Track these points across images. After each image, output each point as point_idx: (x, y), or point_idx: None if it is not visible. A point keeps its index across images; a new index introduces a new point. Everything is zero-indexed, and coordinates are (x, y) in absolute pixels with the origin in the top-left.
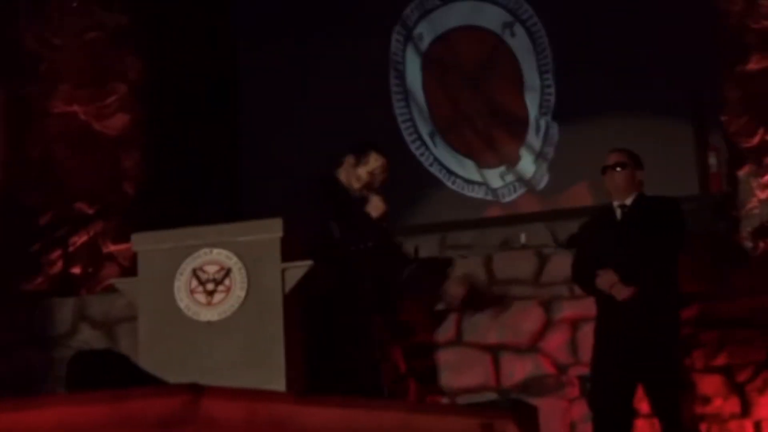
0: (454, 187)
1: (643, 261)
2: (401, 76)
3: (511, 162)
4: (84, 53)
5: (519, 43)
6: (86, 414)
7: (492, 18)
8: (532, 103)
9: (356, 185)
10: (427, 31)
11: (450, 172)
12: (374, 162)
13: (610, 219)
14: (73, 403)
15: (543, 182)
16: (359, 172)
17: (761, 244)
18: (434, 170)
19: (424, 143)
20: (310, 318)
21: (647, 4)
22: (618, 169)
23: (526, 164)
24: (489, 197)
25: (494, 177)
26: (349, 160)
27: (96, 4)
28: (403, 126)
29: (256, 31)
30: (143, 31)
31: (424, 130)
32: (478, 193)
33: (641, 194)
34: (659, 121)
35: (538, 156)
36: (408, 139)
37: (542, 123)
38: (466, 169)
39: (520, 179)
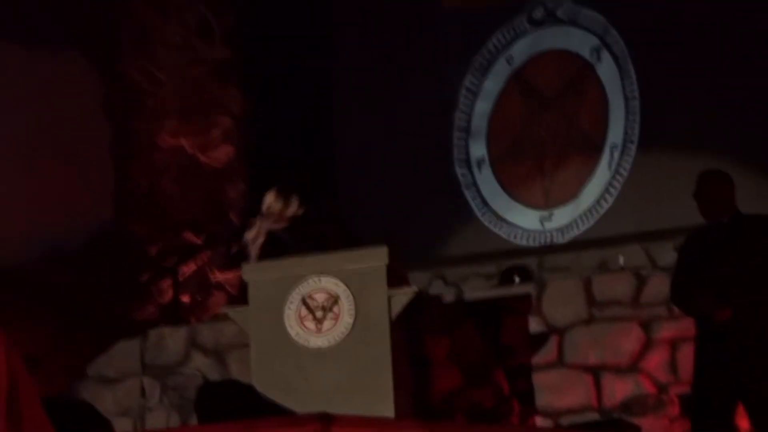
0: (482, 219)
1: (742, 281)
2: (473, 98)
3: (571, 196)
4: (188, 87)
5: (606, 68)
6: None
7: (580, 43)
8: (615, 127)
9: None
10: (516, 54)
11: (484, 203)
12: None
13: (708, 238)
14: None
15: (597, 213)
16: None
17: None
18: (468, 195)
19: (469, 167)
20: None
21: (736, 33)
22: (712, 187)
23: (590, 193)
24: (511, 238)
25: (532, 219)
26: None
27: (198, 40)
28: (456, 145)
29: (350, 60)
30: (244, 65)
31: (475, 154)
32: (501, 231)
33: (738, 213)
34: (743, 149)
35: (604, 188)
36: (457, 158)
37: (615, 154)
38: (500, 204)
39: (566, 224)
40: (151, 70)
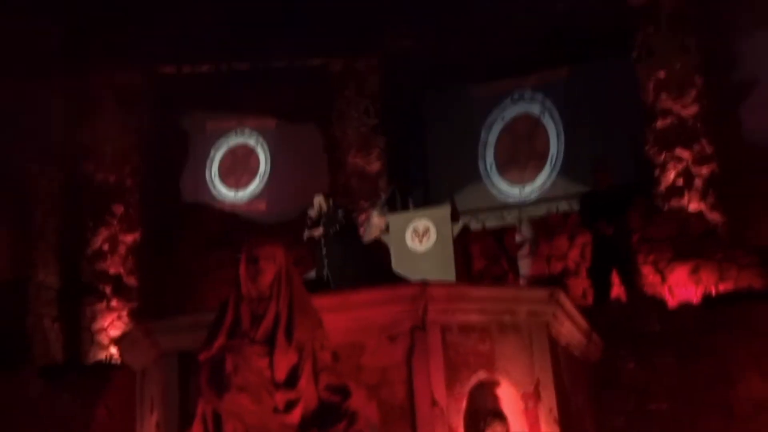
0: (492, 192)
1: (610, 213)
2: (486, 140)
3: (530, 180)
4: (360, 137)
5: (548, 120)
6: (376, 294)
7: (534, 109)
8: (553, 148)
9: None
10: (506, 115)
11: (492, 185)
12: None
13: (596, 196)
14: (370, 291)
15: (548, 189)
16: None
17: (667, 205)
18: (486, 184)
19: (486, 169)
20: None
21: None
22: (599, 173)
23: (540, 180)
24: (507, 198)
25: (514, 190)
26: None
27: (365, 115)
28: (480, 160)
29: (433, 123)
30: (386, 127)
31: (488, 162)
32: (502, 195)
33: (611, 184)
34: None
35: (548, 177)
36: (480, 166)
37: (552, 161)
38: (502, 186)
39: (533, 192)
40: (344, 129)
